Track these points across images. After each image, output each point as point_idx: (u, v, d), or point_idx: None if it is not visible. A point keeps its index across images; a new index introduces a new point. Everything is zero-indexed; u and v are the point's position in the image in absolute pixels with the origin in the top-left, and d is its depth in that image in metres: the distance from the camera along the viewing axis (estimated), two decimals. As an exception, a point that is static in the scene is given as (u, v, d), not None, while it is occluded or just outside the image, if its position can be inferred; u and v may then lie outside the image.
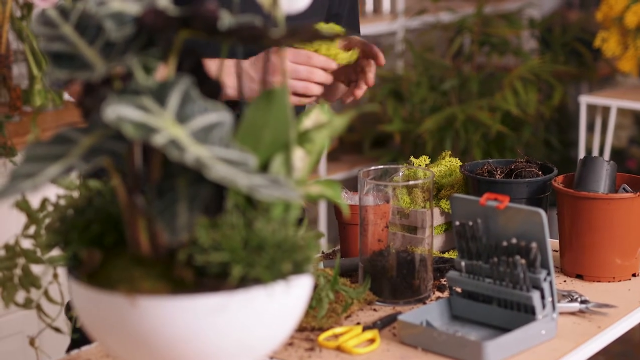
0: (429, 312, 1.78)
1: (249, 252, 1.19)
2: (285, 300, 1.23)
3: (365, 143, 4.70)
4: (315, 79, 1.94)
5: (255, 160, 1.18)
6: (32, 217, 1.59)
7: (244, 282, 1.21)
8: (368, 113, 4.50)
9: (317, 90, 1.96)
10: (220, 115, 1.20)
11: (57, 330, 1.56)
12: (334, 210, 2.11)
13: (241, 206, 1.24)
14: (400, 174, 1.97)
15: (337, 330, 1.76)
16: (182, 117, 1.18)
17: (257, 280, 1.21)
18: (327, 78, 1.96)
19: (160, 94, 1.19)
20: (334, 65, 1.96)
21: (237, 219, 1.22)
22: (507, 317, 1.75)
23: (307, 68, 1.93)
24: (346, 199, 2.10)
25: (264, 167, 1.28)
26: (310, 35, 1.20)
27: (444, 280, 1.96)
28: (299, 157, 1.36)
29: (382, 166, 1.96)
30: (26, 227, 1.60)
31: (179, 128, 1.17)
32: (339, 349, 1.71)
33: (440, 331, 1.70)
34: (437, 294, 1.94)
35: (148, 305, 1.20)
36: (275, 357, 1.68)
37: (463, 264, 1.79)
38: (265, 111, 1.26)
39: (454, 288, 1.81)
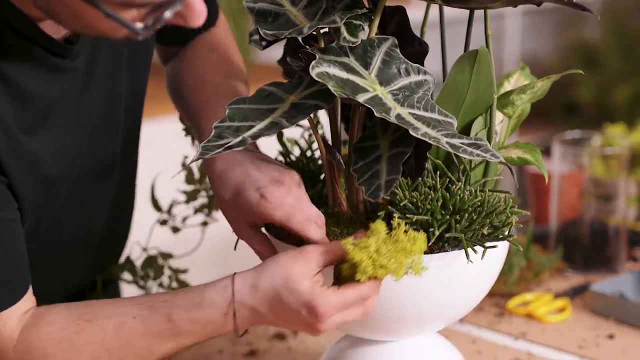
0: (622, 283, 1.74)
1: (447, 214, 1.19)
2: (482, 263, 1.22)
3: (554, 109, 4.62)
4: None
5: (456, 122, 1.17)
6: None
7: (441, 243, 1.21)
8: (558, 79, 4.41)
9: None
10: (422, 77, 1.19)
11: None
12: (526, 175, 2.08)
13: (440, 169, 1.23)
14: (595, 141, 1.93)
15: (527, 296, 1.74)
16: (384, 78, 1.19)
17: (455, 243, 1.21)
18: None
19: (363, 54, 1.20)
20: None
21: (436, 181, 1.21)
22: None
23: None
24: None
25: (463, 130, 1.27)
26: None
27: (638, 251, 1.91)
28: (499, 120, 1.34)
29: (577, 132, 1.92)
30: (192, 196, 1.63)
31: (382, 88, 1.17)
32: (528, 315, 1.70)
33: (634, 302, 1.66)
34: (630, 264, 1.89)
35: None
36: (466, 322, 1.68)
37: (660, 235, 1.74)
38: (469, 73, 1.25)
39: (649, 260, 1.77)
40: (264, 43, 1.25)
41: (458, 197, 1.20)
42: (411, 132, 1.12)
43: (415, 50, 1.26)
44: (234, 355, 1.56)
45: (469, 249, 1.19)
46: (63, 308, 1.21)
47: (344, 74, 1.16)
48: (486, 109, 1.27)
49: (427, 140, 1.11)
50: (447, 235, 1.19)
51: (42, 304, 1.23)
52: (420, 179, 1.22)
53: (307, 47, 1.24)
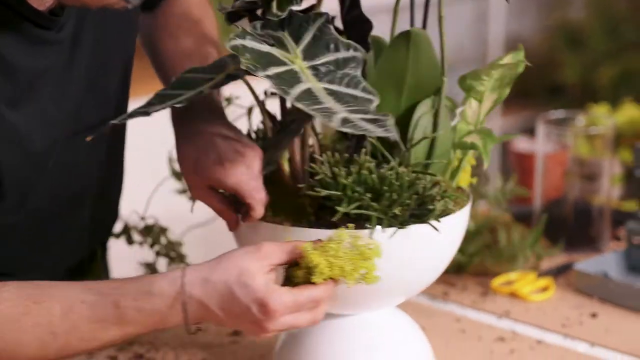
0: (605, 262, 1.75)
1: (362, 192, 1.20)
2: (431, 242, 1.24)
3: (538, 90, 4.62)
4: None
5: (378, 100, 1.16)
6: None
7: (386, 221, 1.21)
8: (541, 60, 4.42)
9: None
10: (351, 54, 1.20)
11: None
12: (510, 154, 2.08)
13: (379, 149, 1.24)
14: (580, 121, 1.93)
15: (511, 276, 1.75)
16: (310, 53, 1.20)
17: (404, 221, 1.22)
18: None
19: (298, 29, 1.21)
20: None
21: (367, 160, 1.22)
22: (687, 271, 1.71)
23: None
24: (524, 144, 2.08)
25: (407, 111, 1.27)
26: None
27: (621, 231, 1.92)
28: (473, 104, 1.33)
29: (562, 111, 1.92)
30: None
31: (305, 62, 1.18)
32: (512, 294, 1.70)
33: (617, 282, 1.67)
34: (614, 244, 1.90)
35: (271, 233, 1.24)
36: (450, 301, 1.69)
37: (643, 215, 1.75)
38: (405, 54, 1.24)
39: (632, 239, 1.78)
40: (225, 12, 1.27)
41: (374, 177, 1.20)
42: (302, 107, 1.12)
43: (361, 27, 1.26)
44: (218, 334, 1.56)
45: (383, 229, 1.21)
46: (15, 287, 1.20)
47: (264, 47, 1.17)
48: (434, 91, 1.27)
49: (318, 115, 1.11)
50: (357, 212, 1.20)
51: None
52: (356, 156, 1.24)
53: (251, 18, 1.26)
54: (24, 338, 1.18)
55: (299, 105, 1.11)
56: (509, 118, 4.48)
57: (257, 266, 1.15)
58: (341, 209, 1.19)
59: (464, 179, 1.35)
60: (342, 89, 1.16)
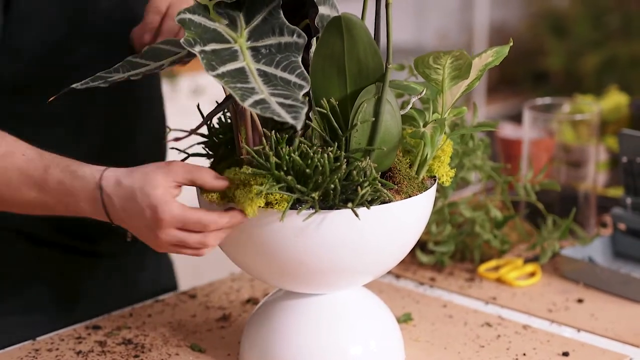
0: (591, 248, 1.76)
1: (297, 175, 1.21)
2: (388, 223, 1.26)
3: (523, 78, 4.64)
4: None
5: (308, 87, 1.18)
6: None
7: (337, 202, 1.23)
8: (526, 47, 4.44)
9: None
10: (294, 39, 1.22)
11: None
12: (497, 141, 2.09)
13: (320, 132, 1.25)
14: (565, 108, 1.94)
15: (498, 262, 1.75)
16: (255, 34, 1.22)
17: (362, 202, 1.23)
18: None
19: (252, 10, 1.23)
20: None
21: (304, 142, 1.23)
22: (672, 257, 1.72)
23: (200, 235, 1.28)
24: (511, 131, 2.09)
25: (352, 96, 1.27)
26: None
27: (607, 217, 1.93)
28: (450, 94, 1.32)
29: (548, 98, 1.93)
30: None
31: (247, 42, 1.21)
32: (499, 280, 1.71)
33: (603, 267, 1.68)
34: (600, 230, 1.91)
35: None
36: (437, 286, 1.70)
37: (629, 201, 1.76)
38: (340, 39, 1.24)
39: (618, 225, 1.79)
40: None
41: (297, 158, 1.21)
42: (221, 84, 1.16)
43: (307, 11, 1.28)
44: (207, 320, 1.56)
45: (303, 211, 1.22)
46: None
47: (212, 24, 1.21)
48: (379, 77, 1.27)
49: (233, 94, 1.15)
50: (273, 192, 1.21)
51: None
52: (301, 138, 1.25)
53: None
54: None
55: (219, 82, 1.16)
56: (494, 106, 4.50)
57: (162, 180, 1.26)
58: (262, 188, 1.21)
59: (441, 170, 1.34)
60: (277, 72, 1.19)
